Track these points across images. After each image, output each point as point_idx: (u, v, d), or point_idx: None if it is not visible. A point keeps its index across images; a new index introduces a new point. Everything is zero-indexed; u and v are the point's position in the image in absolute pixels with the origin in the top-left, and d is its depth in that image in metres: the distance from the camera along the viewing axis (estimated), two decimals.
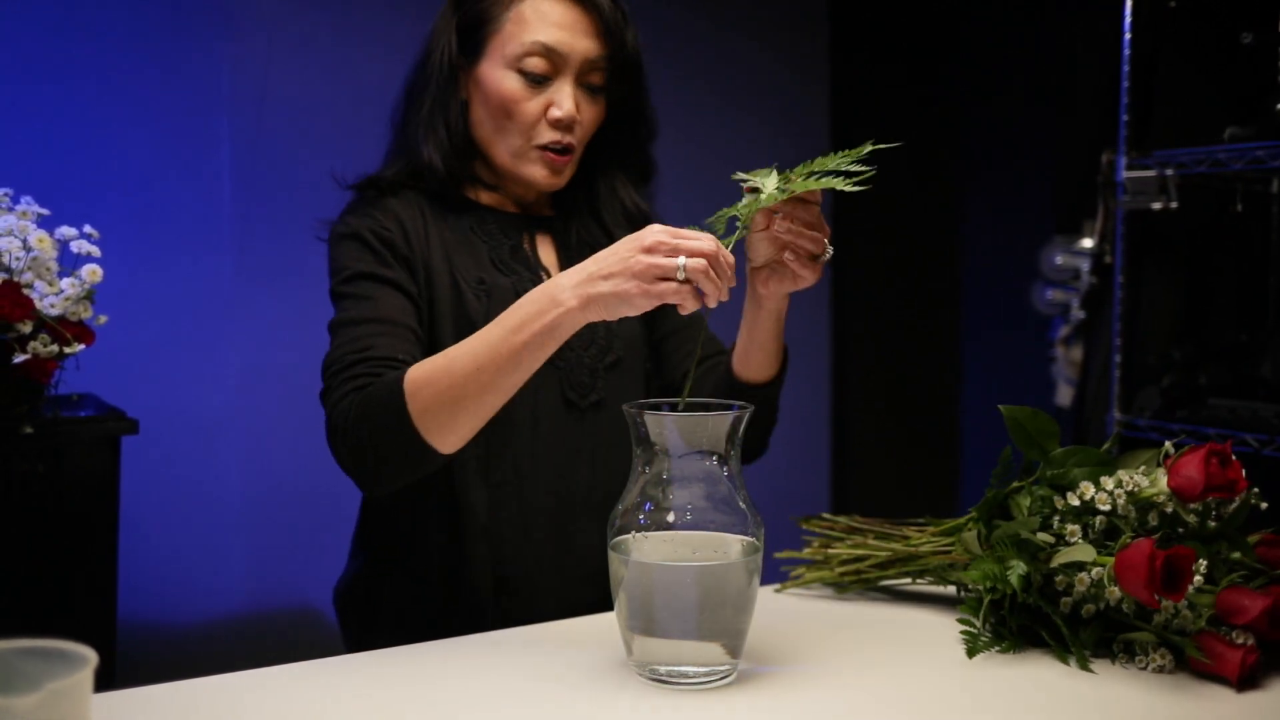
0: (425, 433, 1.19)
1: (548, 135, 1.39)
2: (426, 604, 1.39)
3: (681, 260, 1.07)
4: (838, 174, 1.11)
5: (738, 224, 1.16)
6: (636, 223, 1.51)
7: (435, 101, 1.42)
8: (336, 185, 1.45)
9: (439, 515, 1.38)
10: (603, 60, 1.40)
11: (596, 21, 1.39)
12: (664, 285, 1.07)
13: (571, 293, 1.11)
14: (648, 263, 1.07)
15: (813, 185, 1.11)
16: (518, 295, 1.39)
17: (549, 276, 1.45)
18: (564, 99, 1.38)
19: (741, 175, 1.17)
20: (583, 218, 1.51)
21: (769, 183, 1.14)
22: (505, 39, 1.38)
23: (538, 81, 1.38)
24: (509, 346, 1.14)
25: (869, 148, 1.11)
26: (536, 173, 1.41)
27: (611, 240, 1.47)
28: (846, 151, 1.11)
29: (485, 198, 1.47)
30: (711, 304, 1.09)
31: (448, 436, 1.20)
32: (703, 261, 1.07)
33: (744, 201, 1.16)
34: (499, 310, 1.36)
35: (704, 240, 1.09)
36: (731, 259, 1.11)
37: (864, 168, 1.10)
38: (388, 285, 1.34)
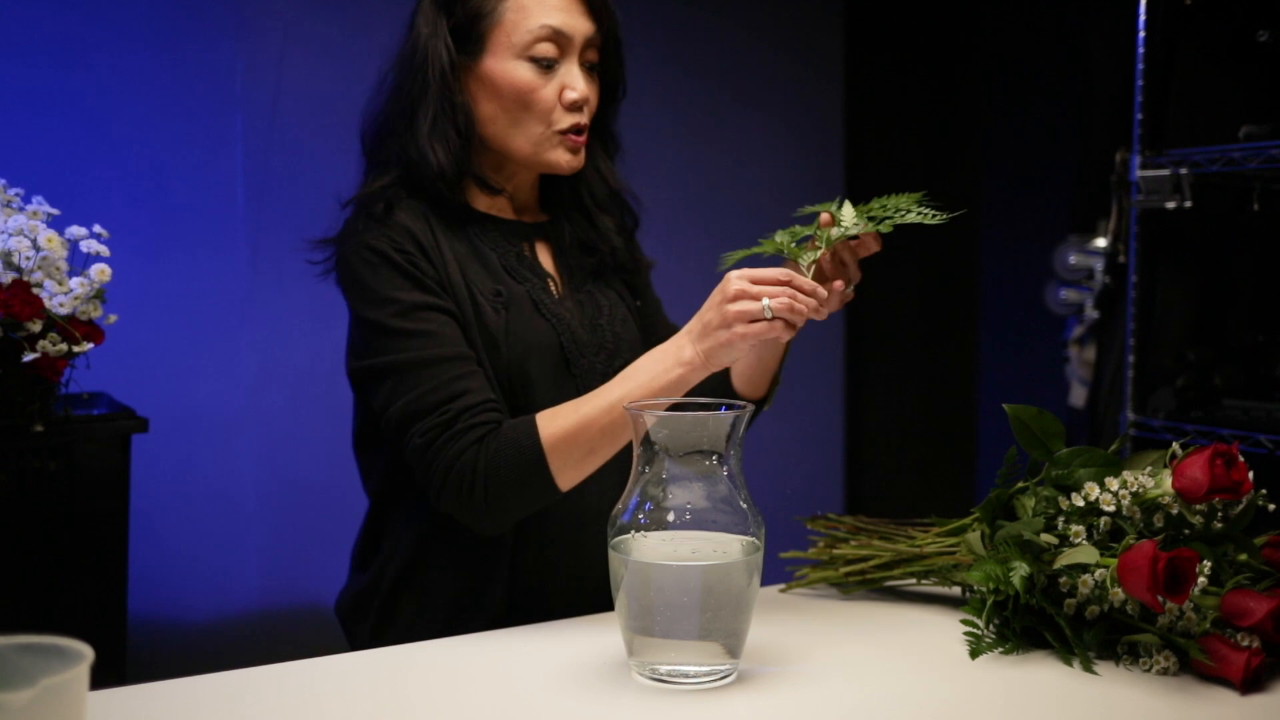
0: (561, 482, 1.27)
1: (566, 120, 1.41)
2: (438, 621, 1.37)
3: (766, 302, 1.18)
4: (918, 209, 1.27)
5: (818, 244, 1.27)
6: (612, 209, 1.53)
7: (439, 107, 1.39)
8: (338, 206, 1.44)
9: (462, 534, 1.35)
10: (598, 38, 1.43)
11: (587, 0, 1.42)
12: (757, 326, 1.19)
13: (693, 349, 1.23)
14: (737, 310, 1.19)
15: (898, 220, 1.26)
16: (534, 303, 1.40)
17: (554, 283, 1.46)
18: (576, 80, 1.40)
19: (809, 209, 1.31)
20: (571, 215, 1.51)
21: (846, 213, 1.28)
22: (509, 29, 1.38)
23: (548, 66, 1.39)
24: (640, 401, 1.21)
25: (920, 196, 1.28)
26: (560, 157, 1.43)
27: (600, 234, 1.51)
28: (907, 194, 1.28)
29: (481, 204, 1.46)
30: (801, 323, 1.21)
31: (575, 480, 1.29)
32: (785, 298, 1.18)
33: (821, 230, 1.28)
34: (517, 322, 1.38)
35: (779, 274, 1.19)
36: (811, 283, 1.21)
37: (932, 211, 1.25)
38: (442, 314, 1.34)
